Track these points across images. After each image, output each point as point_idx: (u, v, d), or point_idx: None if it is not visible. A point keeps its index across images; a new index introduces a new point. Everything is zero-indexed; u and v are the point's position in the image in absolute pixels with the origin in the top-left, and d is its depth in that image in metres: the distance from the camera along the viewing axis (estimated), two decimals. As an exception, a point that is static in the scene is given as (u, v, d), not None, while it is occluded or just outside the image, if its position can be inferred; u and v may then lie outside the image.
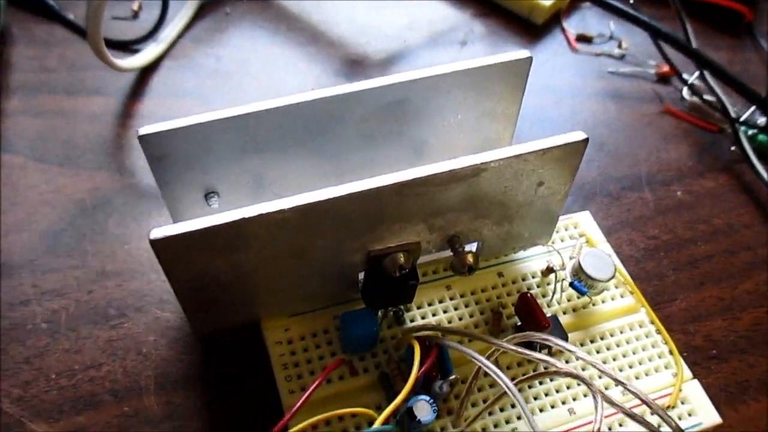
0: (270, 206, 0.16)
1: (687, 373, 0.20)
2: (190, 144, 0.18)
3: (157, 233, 0.15)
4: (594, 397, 0.16)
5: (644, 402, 0.16)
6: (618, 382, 0.16)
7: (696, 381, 0.20)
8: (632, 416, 0.16)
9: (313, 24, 0.31)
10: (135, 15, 0.30)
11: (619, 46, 0.33)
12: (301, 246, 0.17)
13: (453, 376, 0.18)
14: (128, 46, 0.28)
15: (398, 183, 0.16)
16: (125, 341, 0.21)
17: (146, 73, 0.28)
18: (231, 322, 0.19)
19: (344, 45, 0.31)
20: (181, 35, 0.29)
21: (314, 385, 0.17)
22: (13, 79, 0.27)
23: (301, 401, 0.17)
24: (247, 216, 0.15)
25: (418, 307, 0.21)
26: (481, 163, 0.17)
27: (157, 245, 0.15)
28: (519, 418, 0.19)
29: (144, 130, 0.17)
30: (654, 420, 0.17)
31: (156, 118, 0.26)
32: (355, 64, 0.30)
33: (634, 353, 0.21)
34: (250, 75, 0.29)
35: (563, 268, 0.22)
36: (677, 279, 0.24)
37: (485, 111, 0.21)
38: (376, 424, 0.16)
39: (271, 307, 0.19)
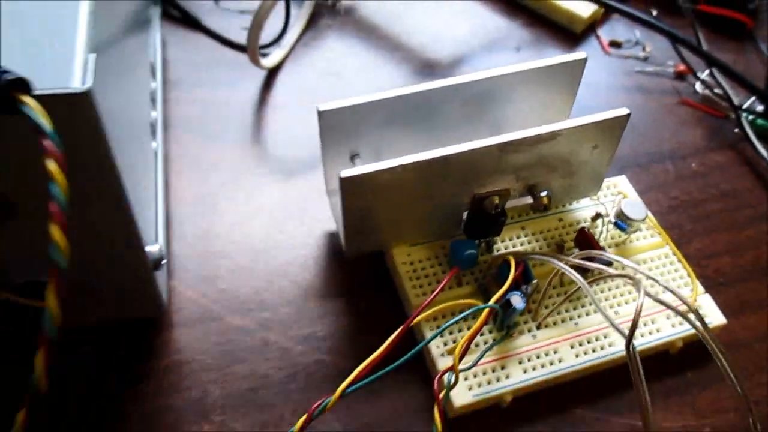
0: (419, 156, 0.23)
1: (700, 288, 0.28)
2: (350, 118, 0.25)
3: (346, 173, 0.23)
4: (637, 289, 0.23)
5: (671, 291, 0.23)
6: (653, 279, 0.24)
7: (707, 295, 0.27)
8: (664, 303, 0.23)
9: (396, 34, 0.39)
10: (258, 26, 0.37)
11: (644, 49, 0.40)
12: (430, 189, 0.25)
13: (534, 281, 0.25)
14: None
15: (502, 142, 0.24)
16: (288, 266, 0.28)
17: (273, 71, 0.36)
18: (372, 246, 0.27)
19: (422, 50, 0.38)
20: (297, 41, 0.37)
21: (441, 286, 0.24)
22: (172, 75, 0.35)
23: (432, 296, 0.24)
24: (403, 163, 0.23)
25: (502, 241, 0.28)
26: (558, 130, 0.24)
27: (344, 182, 0.23)
28: (579, 316, 0.26)
29: (322, 107, 0.25)
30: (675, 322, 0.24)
31: (287, 106, 0.34)
32: (432, 65, 0.38)
33: (660, 276, 0.28)
34: (353, 73, 0.36)
35: (607, 215, 0.29)
36: (693, 228, 0.32)
37: (550, 99, 0.29)
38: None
39: (399, 236, 0.27)
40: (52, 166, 0.14)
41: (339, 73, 0.36)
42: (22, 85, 0.14)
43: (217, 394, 0.24)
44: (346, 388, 0.21)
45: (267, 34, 0.36)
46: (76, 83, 0.16)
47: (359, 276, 0.28)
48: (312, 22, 0.38)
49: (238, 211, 0.30)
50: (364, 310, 0.27)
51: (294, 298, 0.27)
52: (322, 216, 0.30)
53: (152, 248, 0.23)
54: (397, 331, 0.23)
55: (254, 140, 0.33)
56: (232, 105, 0.34)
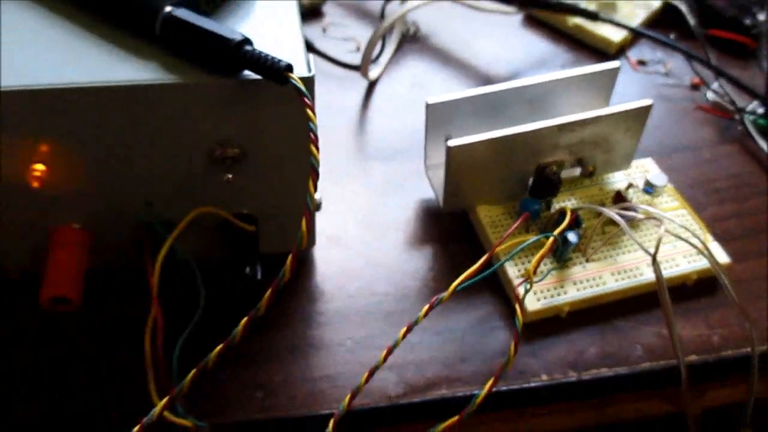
0: (503, 132, 0.33)
1: (710, 238, 0.36)
2: (447, 109, 0.35)
3: (453, 143, 0.32)
4: (660, 226, 0.32)
5: (688, 230, 0.32)
6: (670, 220, 0.33)
7: (716, 242, 0.36)
8: (682, 238, 0.32)
9: (464, 56, 0.49)
10: (357, 49, 0.48)
11: (665, 67, 0.49)
12: (507, 159, 0.34)
13: (583, 225, 0.35)
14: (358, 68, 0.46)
15: (561, 123, 0.33)
16: (396, 221, 0.38)
17: (372, 84, 0.46)
18: (462, 205, 0.36)
19: (485, 68, 0.48)
20: (389, 61, 0.47)
21: (516, 224, 0.34)
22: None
23: (510, 231, 0.33)
24: (494, 136, 0.33)
25: (557, 203, 0.37)
26: (601, 115, 0.34)
27: (451, 149, 0.32)
28: (617, 254, 0.35)
29: (430, 100, 0.34)
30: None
31: (385, 109, 0.44)
32: (492, 80, 0.47)
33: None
34: (432, 85, 0.46)
35: (637, 186, 0.38)
36: (707, 200, 0.40)
37: (591, 99, 0.38)
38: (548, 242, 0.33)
39: (481, 198, 0.36)
40: (309, 112, 0.24)
41: (421, 84, 0.46)
42: (289, 67, 0.24)
43: (354, 304, 0.34)
44: (457, 286, 0.30)
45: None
46: (304, 72, 0.26)
47: (449, 230, 0.38)
48: (400, 46, 0.49)
49: (354, 183, 0.40)
50: (454, 252, 0.37)
51: (402, 242, 0.37)
52: (417, 187, 0.39)
53: (317, 195, 0.32)
54: (486, 255, 0.32)
55: (361, 133, 0.43)
56: (342, 108, 0.44)
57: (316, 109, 0.25)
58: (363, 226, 0.38)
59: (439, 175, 0.37)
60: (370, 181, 0.40)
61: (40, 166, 0.27)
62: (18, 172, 0.27)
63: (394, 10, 0.47)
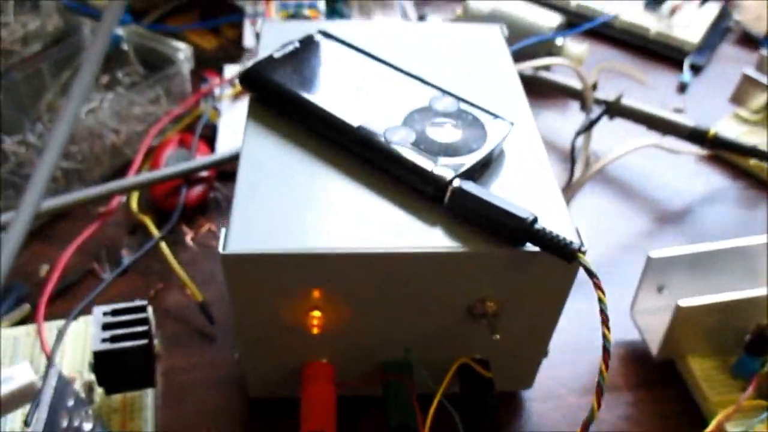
0: (735, 295, 0.33)
1: None
2: (667, 263, 0.36)
3: (683, 303, 0.33)
4: None
5: None
6: None
7: None
8: None
9: (644, 189, 0.50)
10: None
11: None
12: (732, 317, 0.35)
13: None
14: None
15: (789, 289, 0.34)
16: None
17: (560, 214, 0.48)
18: (676, 353, 0.37)
19: (665, 202, 0.49)
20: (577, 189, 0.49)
21: (749, 391, 0.34)
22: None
23: (742, 399, 0.33)
24: (724, 300, 0.33)
25: (770, 359, 0.37)
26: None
27: (681, 309, 0.33)
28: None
29: (653, 254, 0.36)
30: None
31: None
32: (668, 215, 0.48)
33: None
34: (615, 216, 0.48)
35: None
36: None
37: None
38: (777, 410, 0.33)
39: (694, 348, 0.37)
40: (600, 293, 0.25)
41: (605, 214, 0.48)
42: (580, 249, 0.26)
43: (571, 450, 0.35)
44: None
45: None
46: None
47: (654, 375, 0.38)
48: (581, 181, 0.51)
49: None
50: (661, 400, 0.37)
51: (609, 384, 0.37)
52: (616, 326, 0.40)
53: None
54: (717, 418, 0.32)
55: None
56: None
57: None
58: (568, 363, 0.38)
59: (649, 321, 0.38)
60: (571, 317, 0.41)
61: (317, 313, 0.30)
62: (298, 316, 0.30)
63: (582, 145, 0.49)
